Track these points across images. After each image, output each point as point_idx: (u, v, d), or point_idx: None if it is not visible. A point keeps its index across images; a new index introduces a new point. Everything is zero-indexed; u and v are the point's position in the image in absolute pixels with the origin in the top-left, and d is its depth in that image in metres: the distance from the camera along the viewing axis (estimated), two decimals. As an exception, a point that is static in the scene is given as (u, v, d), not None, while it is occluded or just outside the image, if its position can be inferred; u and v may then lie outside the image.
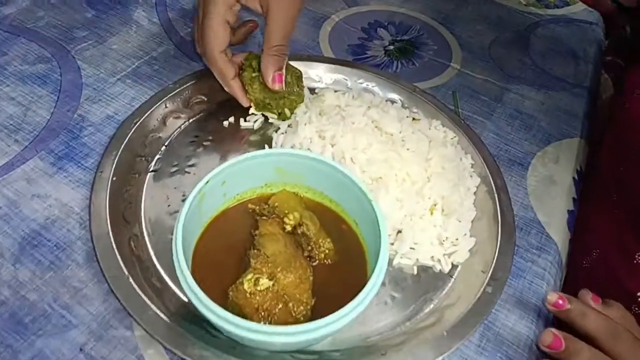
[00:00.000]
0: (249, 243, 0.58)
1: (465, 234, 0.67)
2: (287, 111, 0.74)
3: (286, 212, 0.60)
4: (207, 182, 0.55)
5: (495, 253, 0.65)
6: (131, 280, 0.55)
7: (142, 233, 0.62)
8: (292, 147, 0.71)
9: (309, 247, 0.57)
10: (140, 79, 0.82)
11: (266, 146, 0.74)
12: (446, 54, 0.99)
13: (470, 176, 0.72)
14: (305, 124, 0.71)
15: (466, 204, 0.69)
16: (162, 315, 0.53)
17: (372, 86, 0.85)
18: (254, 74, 0.72)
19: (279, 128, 0.75)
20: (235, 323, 0.47)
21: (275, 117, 0.76)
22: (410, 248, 0.64)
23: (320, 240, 0.58)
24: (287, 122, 0.75)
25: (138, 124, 0.72)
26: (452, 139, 0.75)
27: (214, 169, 0.56)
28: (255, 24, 0.81)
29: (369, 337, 0.58)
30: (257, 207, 0.60)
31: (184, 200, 0.65)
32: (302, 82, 0.77)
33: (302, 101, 0.76)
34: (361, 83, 0.85)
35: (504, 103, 0.91)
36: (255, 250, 0.56)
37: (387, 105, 0.75)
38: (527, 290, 0.66)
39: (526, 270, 0.68)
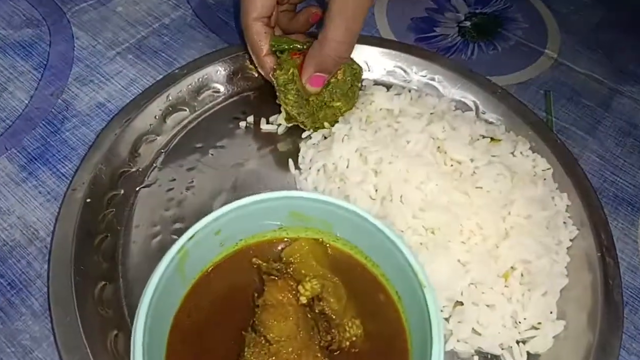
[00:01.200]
0: (248, 314, 0.42)
1: (551, 313, 0.48)
2: (326, 124, 0.56)
3: (303, 272, 0.44)
4: (192, 237, 0.39)
5: (592, 345, 0.47)
6: (88, 349, 0.41)
7: (117, 281, 0.47)
8: (323, 167, 0.53)
9: (329, 337, 0.41)
10: (145, 54, 0.66)
11: (290, 161, 0.56)
12: (540, 35, 0.76)
13: (564, 223, 0.53)
14: (343, 139, 0.53)
15: (556, 270, 0.49)
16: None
17: (439, 81, 0.64)
18: (289, 75, 0.53)
19: (309, 137, 0.57)
20: None
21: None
22: (473, 330, 0.47)
23: (345, 322, 0.42)
24: (322, 130, 0.57)
25: (131, 121, 0.56)
26: (544, 170, 0.54)
27: (204, 218, 0.40)
28: (318, 12, 0.60)
29: None
30: (265, 264, 0.44)
31: (176, 234, 0.51)
32: (359, 82, 0.57)
33: (351, 108, 0.57)
34: (424, 76, 0.65)
35: (613, 111, 0.68)
36: (253, 334, 0.40)
37: (456, 118, 0.55)
38: (629, 399, 0.48)
39: (630, 368, 0.49)
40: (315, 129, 0.56)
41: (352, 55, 0.57)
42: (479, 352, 0.47)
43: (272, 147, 0.58)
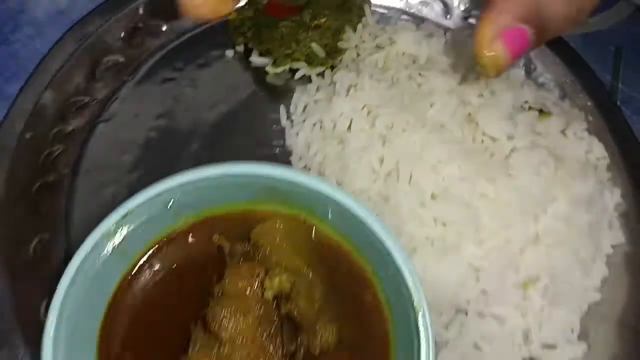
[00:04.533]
0: (201, 301, 0.34)
1: (572, 332, 0.40)
2: (315, 47, 0.44)
3: (274, 260, 0.35)
4: (125, 215, 0.30)
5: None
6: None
7: (56, 237, 0.40)
8: (320, 122, 0.43)
9: (293, 345, 0.33)
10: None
11: (282, 107, 0.45)
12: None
13: (610, 227, 0.42)
14: (347, 92, 0.42)
15: (588, 283, 0.40)
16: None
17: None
18: None
19: (309, 79, 0.46)
20: None
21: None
22: (475, 346, 0.39)
23: (318, 327, 0.34)
24: (321, 70, 0.46)
25: (92, 37, 0.45)
26: (598, 159, 0.43)
27: (147, 190, 0.31)
28: None
29: None
30: (228, 244, 0.35)
31: (131, 186, 0.42)
32: None
33: (353, 24, 0.45)
34: (466, 14, 0.51)
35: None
36: (202, 332, 0.33)
37: (499, 80, 0.43)
38: None
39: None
40: (308, 62, 0.45)
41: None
42: (477, 370, 0.40)
43: (261, 86, 0.47)
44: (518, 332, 0.39)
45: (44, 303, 0.37)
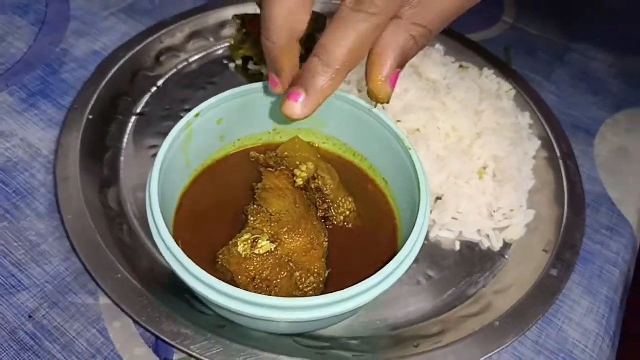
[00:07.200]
0: (249, 200, 0.45)
1: (521, 206, 0.53)
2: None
3: (298, 163, 0.47)
4: (198, 114, 0.43)
5: (560, 229, 0.52)
6: (98, 235, 0.44)
7: (118, 182, 0.50)
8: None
9: (325, 206, 0.45)
10: (137, 15, 0.70)
11: (279, 92, 0.61)
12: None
13: (529, 139, 0.59)
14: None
15: (524, 171, 0.55)
16: (133, 280, 0.41)
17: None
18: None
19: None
20: (224, 292, 0.34)
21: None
22: (453, 218, 0.51)
23: (340, 200, 0.46)
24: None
25: (126, 58, 0.60)
26: (507, 92, 0.61)
27: (207, 100, 0.44)
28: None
29: (395, 325, 0.45)
30: (262, 156, 0.48)
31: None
32: None
33: None
34: None
35: (567, 63, 0.76)
36: (256, 206, 0.43)
37: (427, 49, 0.61)
38: (596, 279, 0.52)
39: (595, 254, 0.54)
40: None
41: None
42: (460, 240, 0.51)
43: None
44: (483, 207, 0.52)
45: (119, 225, 0.46)
